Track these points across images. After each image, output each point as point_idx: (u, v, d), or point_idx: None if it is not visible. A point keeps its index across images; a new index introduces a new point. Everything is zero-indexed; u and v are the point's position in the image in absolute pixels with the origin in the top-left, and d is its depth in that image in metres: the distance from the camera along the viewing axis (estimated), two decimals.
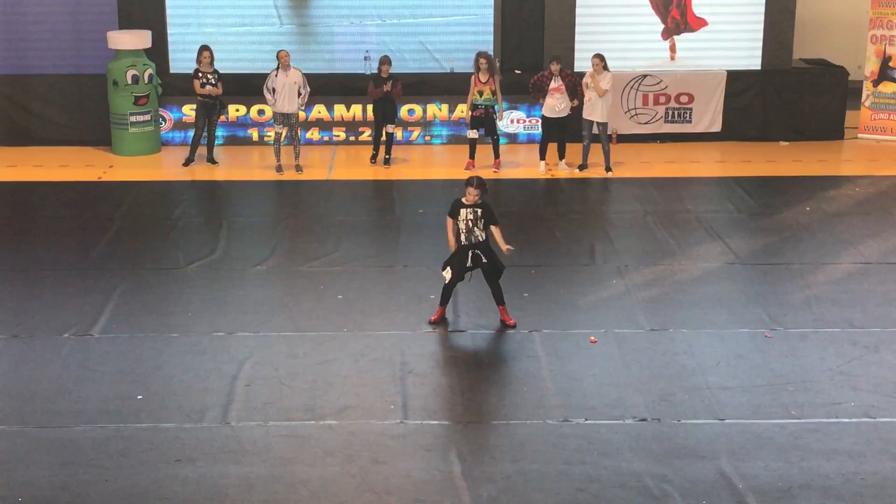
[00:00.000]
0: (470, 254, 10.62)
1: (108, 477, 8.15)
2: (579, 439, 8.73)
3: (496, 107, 16.20)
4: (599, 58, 15.90)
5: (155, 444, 8.59)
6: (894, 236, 13.47)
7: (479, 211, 10.58)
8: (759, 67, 18.19)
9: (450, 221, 10.70)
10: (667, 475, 8.16)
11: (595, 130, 16.18)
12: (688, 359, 10.10)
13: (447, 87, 17.72)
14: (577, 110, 16.25)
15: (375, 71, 16.69)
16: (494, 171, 16.27)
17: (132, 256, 12.80)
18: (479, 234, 10.61)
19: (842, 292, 11.69)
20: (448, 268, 10.71)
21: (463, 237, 10.63)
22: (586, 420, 9.01)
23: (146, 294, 11.63)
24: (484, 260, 10.64)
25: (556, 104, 16.03)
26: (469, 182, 10.62)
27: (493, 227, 10.71)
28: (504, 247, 10.70)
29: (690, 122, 18.04)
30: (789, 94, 18.09)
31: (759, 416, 9.04)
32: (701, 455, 8.46)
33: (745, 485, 8.04)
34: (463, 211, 10.59)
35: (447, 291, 10.82)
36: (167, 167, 16.81)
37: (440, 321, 10.83)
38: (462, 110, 17.17)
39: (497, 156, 16.39)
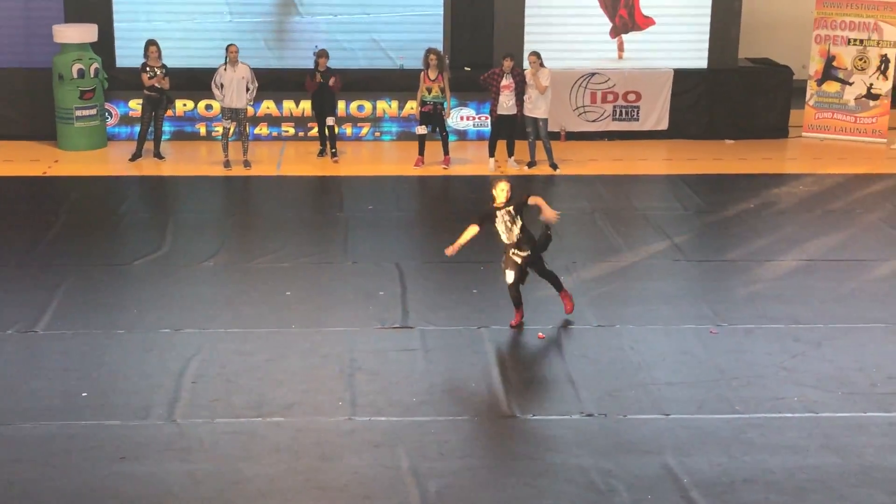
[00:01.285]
0: (513, 257, 10.54)
1: (52, 475, 8.07)
2: (527, 434, 8.78)
3: (445, 104, 16.23)
4: (536, 55, 15.98)
5: (100, 442, 8.52)
6: (837, 233, 13.68)
7: (513, 208, 10.51)
8: (705, 66, 18.36)
9: (474, 229, 10.52)
10: (613, 470, 8.24)
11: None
12: (634, 354, 10.20)
13: (397, 83, 17.70)
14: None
15: (312, 66, 16.66)
16: (444, 168, 16.30)
17: (78, 252, 12.68)
18: (517, 233, 10.52)
19: (786, 289, 11.85)
20: (507, 271, 10.63)
21: (504, 237, 10.57)
22: (534, 416, 9.07)
23: (92, 290, 11.52)
24: (522, 254, 10.51)
25: (505, 101, 16.08)
26: (496, 179, 10.65)
27: (531, 201, 10.50)
28: (551, 213, 10.56)
29: (638, 120, 18.17)
30: (735, 93, 18.28)
31: (703, 412, 9.15)
32: (646, 450, 8.54)
33: (689, 479, 8.13)
34: (499, 214, 10.52)
35: (513, 293, 10.69)
36: (113, 162, 16.65)
37: (519, 325, 10.68)
38: (412, 107, 17.17)
39: (446, 152, 16.41)
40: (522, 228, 10.57)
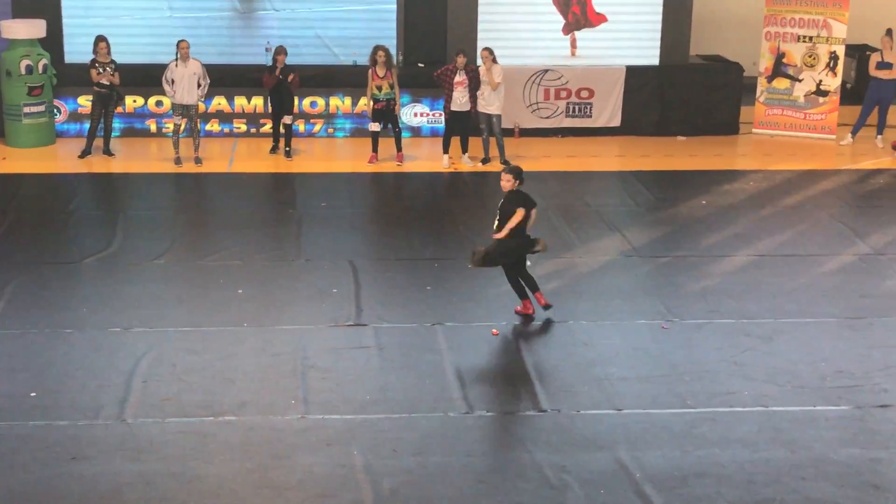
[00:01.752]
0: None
1: (2, 476, 7.96)
2: (480, 431, 8.79)
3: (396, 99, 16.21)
4: (489, 51, 15.99)
5: (49, 442, 8.42)
6: (786, 229, 13.81)
7: (501, 203, 10.64)
8: (657, 63, 18.46)
9: (521, 213, 10.56)
10: (566, 465, 8.26)
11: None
12: (587, 350, 10.23)
13: (350, 79, 17.62)
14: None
15: (270, 63, 16.60)
16: (398, 165, 16.27)
17: (26, 250, 12.52)
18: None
19: (736, 284, 11.95)
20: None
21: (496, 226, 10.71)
22: (488, 412, 9.07)
23: (40, 289, 11.37)
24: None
25: (459, 97, 16.08)
26: (504, 169, 10.76)
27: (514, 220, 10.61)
28: (501, 234, 10.61)
29: (591, 116, 18.24)
30: (686, 90, 18.39)
31: (656, 406, 9.20)
32: (600, 445, 8.57)
33: (642, 474, 8.18)
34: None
35: (514, 285, 10.83)
36: (62, 159, 16.45)
37: (526, 317, 10.83)
38: (365, 103, 17.12)
39: (399, 149, 16.37)
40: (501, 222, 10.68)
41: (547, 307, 10.84)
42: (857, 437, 8.79)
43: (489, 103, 16.13)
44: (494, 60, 15.97)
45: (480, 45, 17.04)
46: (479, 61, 16.25)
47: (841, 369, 9.94)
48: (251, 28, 18.13)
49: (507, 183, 10.68)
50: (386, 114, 16.21)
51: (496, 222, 10.72)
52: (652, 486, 8.03)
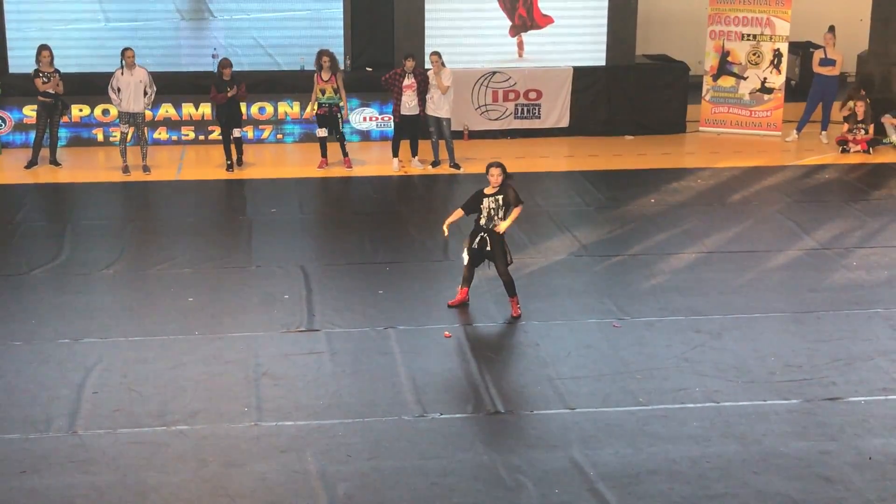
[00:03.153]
0: (479, 237, 10.81)
1: None
2: (434, 434, 8.79)
3: (341, 105, 16.17)
4: (437, 55, 16.04)
5: None
6: (735, 226, 13.95)
7: (501, 198, 10.73)
8: (604, 64, 18.58)
9: (459, 213, 10.90)
10: (520, 466, 8.29)
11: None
12: (539, 350, 10.28)
13: (298, 84, 17.58)
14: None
15: (216, 74, 16.47)
16: (347, 169, 16.24)
17: None
18: (498, 222, 10.77)
19: (685, 281, 12.06)
20: (465, 250, 10.97)
21: (483, 221, 10.79)
22: (441, 415, 9.09)
23: None
24: (488, 248, 10.78)
25: (408, 101, 16.09)
26: (490, 164, 10.79)
27: (514, 209, 10.83)
28: (502, 227, 10.77)
29: (539, 117, 18.32)
30: (633, 90, 18.53)
31: (608, 405, 9.26)
32: (553, 444, 8.62)
33: (595, 472, 8.23)
34: (486, 200, 10.74)
35: (467, 273, 10.98)
36: (8, 170, 16.26)
37: (462, 304, 10.99)
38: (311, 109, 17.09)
39: (345, 154, 16.33)
40: (496, 218, 10.79)
41: (516, 317, 10.91)
42: (807, 431, 8.90)
43: (438, 107, 16.16)
44: (443, 64, 16.01)
45: (428, 48, 17.08)
46: (428, 65, 16.28)
47: (790, 363, 10.06)
48: (197, 36, 18.03)
49: (497, 178, 10.75)
50: (328, 119, 16.15)
51: (486, 216, 10.73)
52: (605, 483, 8.08)
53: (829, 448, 8.62)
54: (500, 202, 10.80)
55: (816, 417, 9.11)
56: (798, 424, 9.00)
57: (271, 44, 18.18)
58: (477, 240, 10.89)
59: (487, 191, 10.82)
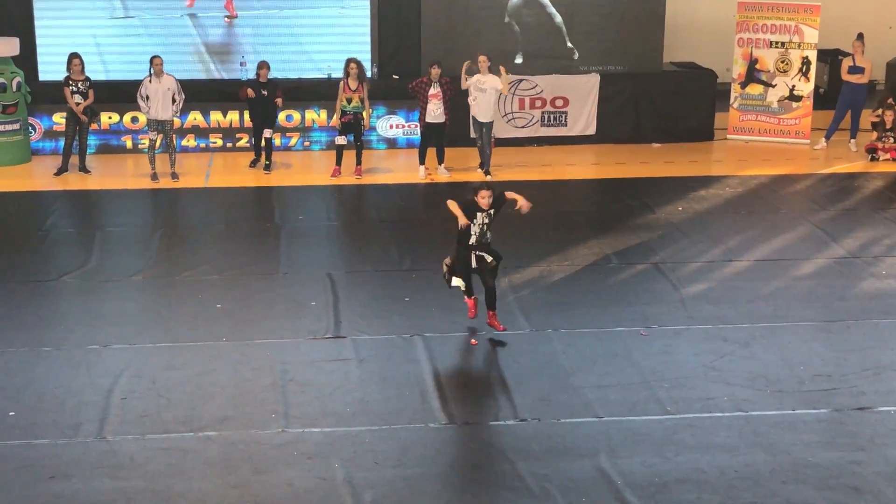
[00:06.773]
0: (474, 256, 10.61)
1: None
2: (461, 442, 8.79)
3: (364, 113, 16.20)
4: (486, 57, 16.01)
5: (28, 461, 8.37)
6: (762, 234, 13.88)
7: (493, 213, 10.59)
8: (631, 71, 18.53)
9: (463, 220, 10.57)
10: (547, 474, 8.27)
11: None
12: (566, 358, 10.26)
13: (325, 92, 17.63)
14: (453, 115, 16.32)
15: (253, 77, 16.61)
16: (357, 178, 16.21)
17: (2, 269, 12.45)
18: (489, 236, 10.64)
19: (713, 289, 12.00)
20: (454, 277, 10.73)
21: (474, 239, 10.60)
22: (468, 423, 9.08)
23: (17, 307, 11.32)
24: (488, 259, 10.63)
25: (433, 109, 16.10)
26: (481, 187, 10.62)
27: (509, 196, 10.67)
28: (523, 202, 10.67)
29: (566, 125, 18.30)
30: (660, 97, 18.48)
31: (635, 413, 9.23)
32: (580, 453, 8.59)
33: (623, 481, 8.20)
34: (479, 215, 10.59)
35: (466, 284, 10.75)
36: (38, 177, 16.39)
37: (475, 314, 10.80)
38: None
39: (359, 162, 16.31)
40: (488, 233, 10.66)
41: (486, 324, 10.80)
42: (836, 440, 8.84)
43: (485, 111, 16.09)
44: (490, 69, 16.01)
45: (457, 56, 17.00)
46: (463, 71, 16.14)
47: (818, 373, 10.00)
48: (226, 44, 18.13)
49: (488, 200, 10.52)
50: (353, 126, 16.18)
51: (479, 233, 10.63)
52: (633, 492, 8.05)
53: (859, 458, 8.56)
54: (492, 217, 10.65)
55: (846, 427, 9.05)
56: (827, 434, 8.94)
57: (298, 51, 18.23)
58: (474, 259, 10.64)
59: (482, 205, 10.64)
